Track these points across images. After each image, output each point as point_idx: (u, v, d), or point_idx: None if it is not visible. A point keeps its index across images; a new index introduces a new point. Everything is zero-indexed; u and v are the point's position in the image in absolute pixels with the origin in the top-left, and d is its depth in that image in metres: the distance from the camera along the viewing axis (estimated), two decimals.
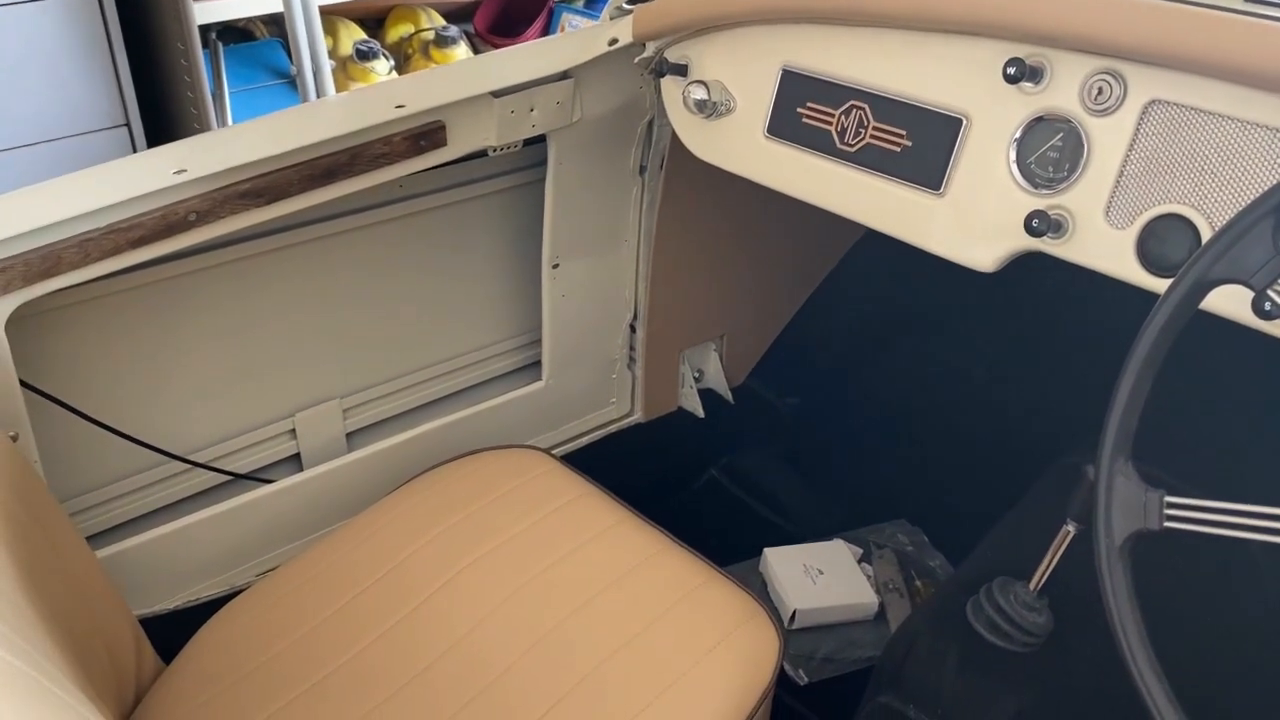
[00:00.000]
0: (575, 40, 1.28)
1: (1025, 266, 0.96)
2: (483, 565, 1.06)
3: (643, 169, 1.44)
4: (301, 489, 1.31)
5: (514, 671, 0.96)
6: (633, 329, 1.60)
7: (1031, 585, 1.00)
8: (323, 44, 2.16)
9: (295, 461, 1.38)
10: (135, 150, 2.01)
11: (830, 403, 1.79)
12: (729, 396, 1.76)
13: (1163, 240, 0.85)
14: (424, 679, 0.96)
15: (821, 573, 1.46)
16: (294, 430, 1.36)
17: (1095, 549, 0.72)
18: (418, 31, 2.58)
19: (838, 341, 1.81)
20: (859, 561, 1.50)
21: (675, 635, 0.99)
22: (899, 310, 1.76)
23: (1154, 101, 0.85)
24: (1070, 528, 0.97)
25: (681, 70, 1.20)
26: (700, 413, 1.73)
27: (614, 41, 1.25)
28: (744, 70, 1.14)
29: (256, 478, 1.32)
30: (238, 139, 1.08)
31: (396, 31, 2.61)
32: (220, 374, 1.26)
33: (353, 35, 2.45)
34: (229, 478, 1.31)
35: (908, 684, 1.04)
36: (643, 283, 1.54)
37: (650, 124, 1.39)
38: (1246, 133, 0.80)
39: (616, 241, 1.49)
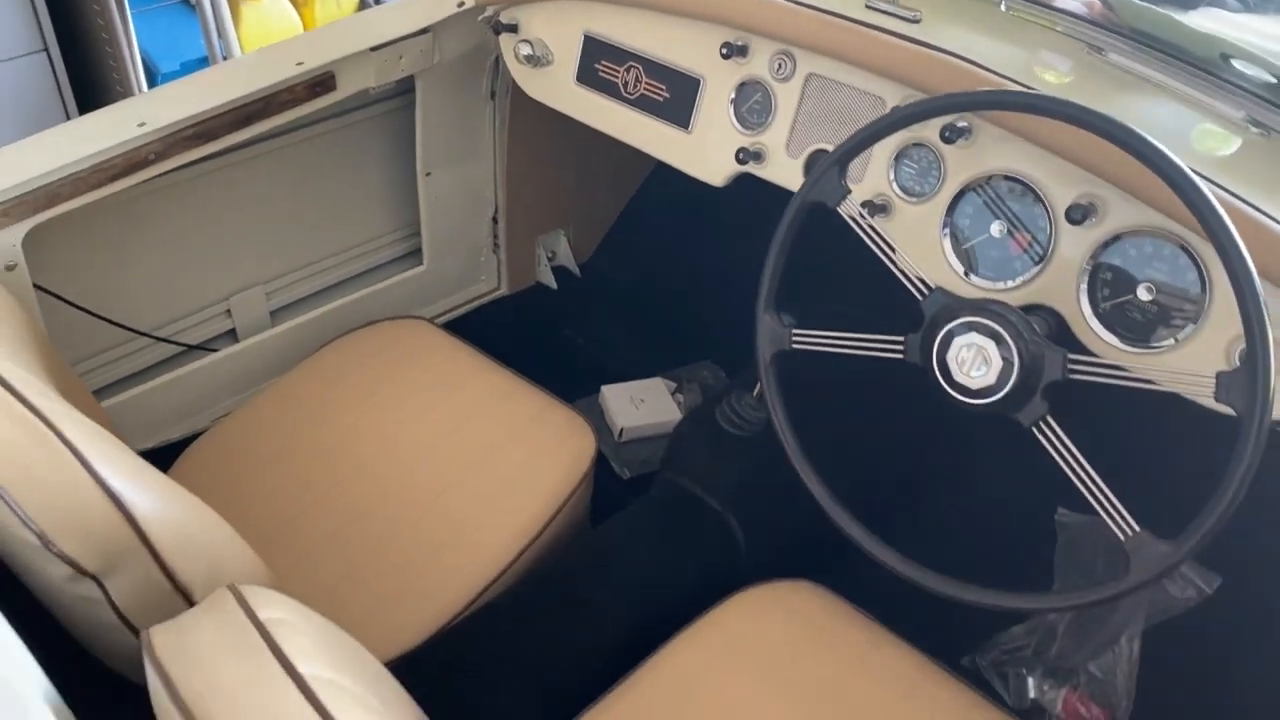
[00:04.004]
0: (432, 1, 1.65)
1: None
2: (379, 410, 1.48)
3: (494, 94, 1.83)
4: (239, 355, 1.72)
5: (404, 485, 1.39)
6: (495, 220, 2.01)
7: (755, 394, 1.49)
8: None
9: (232, 335, 1.77)
10: (54, 73, 2.28)
11: (657, 273, 2.24)
12: (577, 271, 2.20)
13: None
14: (350, 485, 1.40)
15: (643, 401, 1.94)
16: (229, 310, 1.75)
17: (755, 367, 1.19)
18: None
19: (665, 225, 2.25)
20: (673, 394, 1.98)
21: (521, 447, 1.44)
22: (710, 201, 2.19)
23: (812, 74, 1.29)
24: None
25: (513, 28, 1.59)
26: (554, 285, 2.16)
27: (461, 3, 1.62)
28: (558, 32, 1.54)
29: (204, 347, 1.72)
30: (181, 95, 1.44)
31: None
32: (171, 269, 1.64)
33: None
34: (183, 348, 1.71)
35: (680, 463, 1.53)
36: (500, 184, 1.94)
37: (497, 60, 1.77)
38: (858, 96, 1.25)
39: (476, 152, 1.88)
